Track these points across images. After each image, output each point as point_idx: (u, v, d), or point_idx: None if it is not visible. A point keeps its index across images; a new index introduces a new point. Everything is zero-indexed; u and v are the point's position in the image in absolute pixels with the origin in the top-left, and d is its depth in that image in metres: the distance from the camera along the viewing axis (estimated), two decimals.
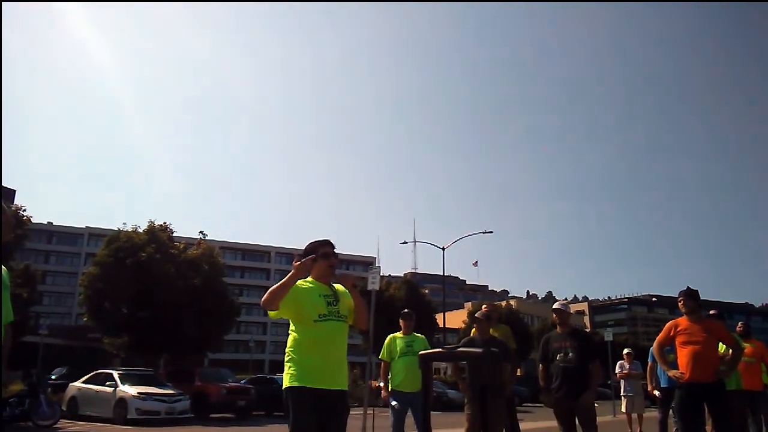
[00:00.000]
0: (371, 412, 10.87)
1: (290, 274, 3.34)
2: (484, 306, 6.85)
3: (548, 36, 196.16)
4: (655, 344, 5.71)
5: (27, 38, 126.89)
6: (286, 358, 3.42)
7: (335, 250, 3.62)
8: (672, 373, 5.48)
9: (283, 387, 3.37)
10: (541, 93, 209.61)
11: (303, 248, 3.72)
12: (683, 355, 5.36)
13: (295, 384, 3.28)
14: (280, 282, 3.34)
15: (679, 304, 5.55)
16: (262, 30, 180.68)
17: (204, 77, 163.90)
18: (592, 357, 5.69)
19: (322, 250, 3.57)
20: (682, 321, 5.48)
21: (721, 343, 5.59)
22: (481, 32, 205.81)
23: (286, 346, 3.50)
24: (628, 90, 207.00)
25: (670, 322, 5.64)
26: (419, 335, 6.44)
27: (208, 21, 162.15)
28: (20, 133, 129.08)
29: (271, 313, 3.41)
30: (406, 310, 6.55)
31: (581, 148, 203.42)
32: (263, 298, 3.33)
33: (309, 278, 3.56)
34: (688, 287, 5.60)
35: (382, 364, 6.37)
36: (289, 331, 3.49)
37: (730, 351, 5.60)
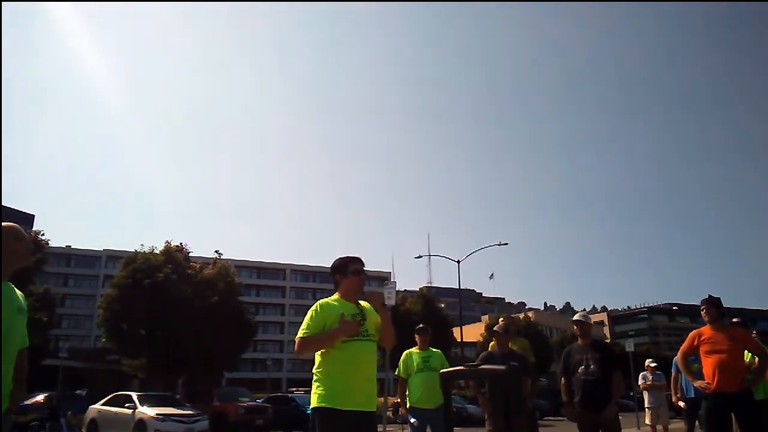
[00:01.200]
0: (391, 429, 10.78)
1: (332, 334, 3.27)
2: (501, 319, 6.79)
3: (559, 38, 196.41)
4: (679, 354, 5.61)
5: (33, 53, 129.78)
6: (314, 378, 3.37)
7: (364, 267, 3.55)
8: (698, 383, 5.36)
9: (311, 407, 3.32)
10: (556, 100, 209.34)
11: (329, 264, 3.66)
12: (708, 364, 5.26)
13: (324, 405, 3.22)
14: (322, 338, 3.28)
15: (702, 312, 5.46)
16: (271, 44, 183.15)
17: (213, 94, 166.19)
18: (613, 368, 5.59)
19: (353, 267, 3.50)
20: (706, 330, 5.38)
21: (747, 352, 5.48)
22: (486, 41, 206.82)
23: (307, 365, 3.48)
24: (653, 92, 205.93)
25: (694, 331, 5.55)
26: (436, 350, 6.38)
27: (217, 52, 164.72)
28: (36, 158, 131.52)
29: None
30: (421, 326, 6.49)
31: (598, 153, 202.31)
32: (297, 347, 3.30)
33: (335, 296, 3.52)
34: (710, 295, 5.51)
35: (399, 380, 6.31)
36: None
37: (757, 359, 5.47)
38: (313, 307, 3.43)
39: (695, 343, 5.40)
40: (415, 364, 6.12)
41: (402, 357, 6.27)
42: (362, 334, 3.34)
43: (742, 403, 5.12)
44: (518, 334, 7.00)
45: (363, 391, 3.27)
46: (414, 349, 6.27)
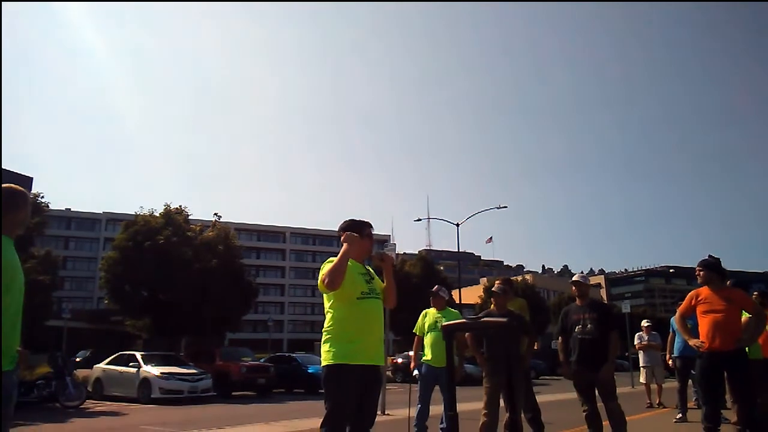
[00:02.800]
0: (391, 387, 10.98)
1: (344, 251, 3.41)
2: (497, 281, 6.84)
3: (566, 13, 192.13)
4: (677, 314, 5.68)
5: (30, 30, 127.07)
6: (325, 337, 3.44)
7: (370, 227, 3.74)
8: (693, 342, 5.44)
9: (323, 364, 3.41)
10: (557, 65, 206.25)
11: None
12: (704, 324, 5.32)
13: (338, 362, 3.32)
14: (337, 261, 3.36)
15: (697, 274, 5.50)
16: (266, 13, 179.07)
17: (214, 61, 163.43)
18: (610, 328, 5.66)
19: (367, 230, 3.68)
20: (704, 290, 5.43)
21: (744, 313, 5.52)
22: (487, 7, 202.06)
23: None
24: (647, 58, 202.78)
25: (692, 291, 5.59)
26: (453, 310, 6.49)
27: (215, 9, 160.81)
28: (33, 121, 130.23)
29: (326, 295, 3.48)
30: (435, 287, 6.54)
31: (596, 119, 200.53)
32: (325, 281, 3.33)
33: None
34: (709, 255, 5.54)
35: (416, 338, 6.46)
36: (328, 310, 3.50)
37: (751, 319, 5.52)
38: (327, 260, 3.52)
39: (692, 303, 5.46)
40: (428, 323, 6.25)
41: (420, 316, 6.40)
42: (373, 293, 3.51)
43: (735, 362, 5.19)
44: (516, 295, 7.06)
45: (374, 347, 3.41)
46: (431, 309, 6.38)
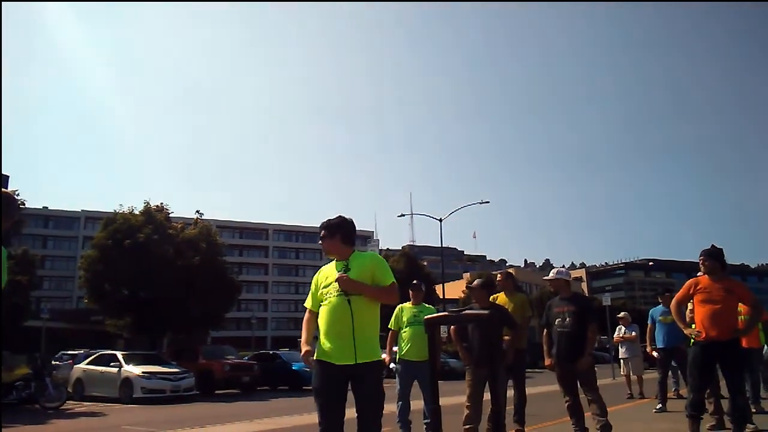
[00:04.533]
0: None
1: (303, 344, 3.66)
2: (499, 275, 6.88)
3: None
4: (674, 301, 5.62)
5: (7, 26, 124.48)
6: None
7: (321, 233, 3.76)
8: (688, 330, 5.44)
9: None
10: (536, 58, 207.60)
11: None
12: (700, 313, 5.32)
13: (316, 358, 3.53)
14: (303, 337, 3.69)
15: (700, 262, 5.48)
16: (250, 11, 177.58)
17: (195, 58, 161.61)
18: (588, 321, 5.73)
19: (321, 233, 3.79)
20: (704, 279, 5.42)
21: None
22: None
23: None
24: (627, 54, 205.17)
25: (691, 279, 5.57)
26: (428, 306, 6.49)
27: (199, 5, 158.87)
28: (8, 117, 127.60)
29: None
30: (415, 282, 6.58)
31: (577, 113, 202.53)
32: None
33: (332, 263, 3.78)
34: (712, 245, 5.52)
35: (390, 333, 6.43)
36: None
37: (747, 311, 5.56)
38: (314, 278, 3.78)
39: (690, 291, 5.44)
40: (405, 318, 6.23)
41: (395, 311, 6.37)
42: (337, 291, 3.51)
43: (729, 353, 5.21)
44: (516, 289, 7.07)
45: (336, 346, 3.43)
46: (407, 304, 6.36)
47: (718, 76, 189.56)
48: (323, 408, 3.43)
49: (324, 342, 3.47)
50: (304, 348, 3.58)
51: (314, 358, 3.49)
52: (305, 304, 3.82)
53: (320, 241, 3.76)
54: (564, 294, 5.95)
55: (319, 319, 3.58)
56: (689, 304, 5.73)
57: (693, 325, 5.42)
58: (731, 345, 5.23)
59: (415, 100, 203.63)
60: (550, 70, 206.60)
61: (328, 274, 3.65)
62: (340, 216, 3.78)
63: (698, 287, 5.40)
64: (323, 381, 3.43)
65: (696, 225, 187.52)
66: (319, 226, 3.76)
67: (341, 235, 3.69)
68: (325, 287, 3.59)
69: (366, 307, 3.50)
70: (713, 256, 5.44)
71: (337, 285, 3.50)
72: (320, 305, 3.60)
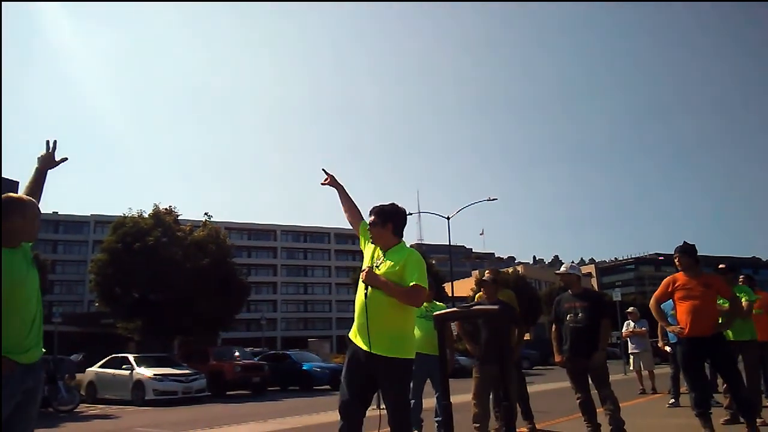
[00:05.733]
0: None
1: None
2: (487, 271, 6.85)
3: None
4: (652, 300, 5.66)
5: (10, 30, 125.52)
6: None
7: (370, 217, 3.67)
8: (671, 328, 5.51)
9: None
10: (541, 54, 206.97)
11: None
12: (682, 310, 5.34)
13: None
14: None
15: (675, 260, 5.52)
16: (250, 12, 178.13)
17: (201, 59, 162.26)
18: (601, 317, 5.69)
19: (372, 218, 3.74)
20: (680, 276, 5.44)
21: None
22: None
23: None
24: (630, 49, 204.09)
25: (669, 277, 5.58)
26: (439, 303, 6.47)
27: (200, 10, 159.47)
28: (18, 124, 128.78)
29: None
30: None
31: (582, 109, 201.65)
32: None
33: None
34: (684, 242, 5.54)
35: None
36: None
37: (728, 304, 5.56)
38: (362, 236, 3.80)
39: (669, 289, 5.46)
40: (416, 313, 6.19)
41: None
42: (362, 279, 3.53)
43: (715, 347, 5.24)
44: (507, 287, 7.09)
45: (357, 328, 3.49)
46: None
47: (724, 71, 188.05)
48: (342, 387, 3.48)
49: (354, 322, 3.56)
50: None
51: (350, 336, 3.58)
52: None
53: (369, 227, 3.62)
54: (575, 290, 5.91)
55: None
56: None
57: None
58: (716, 340, 5.25)
59: (420, 98, 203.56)
60: (555, 67, 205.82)
61: (369, 255, 3.64)
62: (393, 203, 3.65)
63: (676, 284, 5.42)
64: (349, 359, 3.50)
65: (706, 219, 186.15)
66: (370, 210, 3.63)
67: (393, 224, 3.56)
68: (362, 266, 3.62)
69: (385, 302, 3.37)
70: (687, 252, 5.46)
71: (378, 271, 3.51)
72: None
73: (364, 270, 3.51)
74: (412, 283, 3.34)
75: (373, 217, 3.59)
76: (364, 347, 3.40)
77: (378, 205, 3.64)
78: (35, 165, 3.27)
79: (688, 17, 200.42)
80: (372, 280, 3.43)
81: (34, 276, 2.79)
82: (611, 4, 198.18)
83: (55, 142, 3.30)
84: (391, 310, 3.39)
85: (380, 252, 3.58)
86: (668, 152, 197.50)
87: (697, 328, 5.19)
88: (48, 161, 3.28)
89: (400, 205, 3.65)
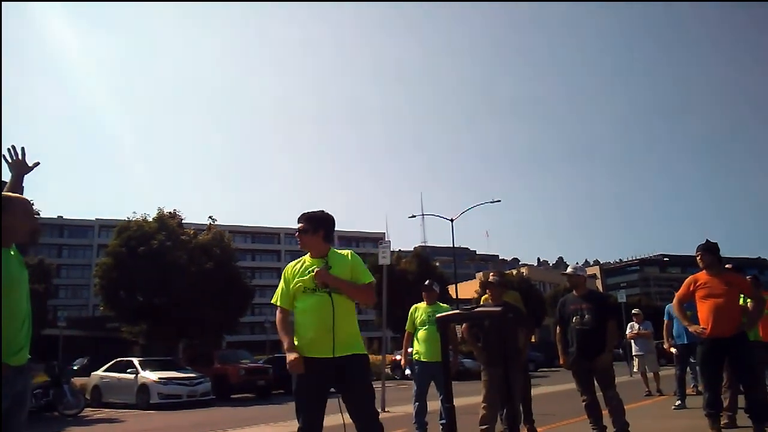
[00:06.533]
0: (390, 385, 10.99)
1: (285, 342, 3.44)
2: (492, 274, 6.83)
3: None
4: (675, 300, 5.58)
5: (14, 34, 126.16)
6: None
7: (300, 224, 3.57)
8: (693, 328, 5.37)
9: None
10: (547, 56, 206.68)
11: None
12: (704, 309, 5.26)
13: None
14: (281, 334, 3.50)
15: (697, 258, 5.44)
16: (259, 12, 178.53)
17: (205, 63, 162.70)
18: (607, 318, 5.66)
19: (300, 225, 3.62)
20: (702, 275, 5.37)
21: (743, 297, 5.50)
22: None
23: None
24: (634, 49, 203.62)
25: (690, 277, 5.52)
26: (443, 305, 6.42)
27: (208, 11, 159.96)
28: (22, 128, 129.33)
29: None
30: (426, 282, 6.47)
31: (586, 110, 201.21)
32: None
33: (306, 256, 3.60)
34: (707, 240, 5.48)
35: (406, 334, 6.38)
36: None
37: (750, 303, 5.51)
38: (283, 274, 3.59)
39: (691, 288, 5.39)
40: (419, 319, 6.16)
41: (410, 311, 6.31)
42: (318, 288, 3.40)
43: (737, 347, 5.15)
44: (511, 288, 7.06)
45: (313, 339, 3.33)
46: (421, 304, 6.29)
47: (728, 70, 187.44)
48: (303, 407, 3.31)
49: (302, 337, 3.37)
50: (292, 355, 3.29)
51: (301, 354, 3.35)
52: (277, 302, 3.54)
53: (297, 234, 3.53)
54: (580, 291, 5.88)
55: (296, 313, 3.46)
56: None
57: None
58: (738, 340, 5.16)
59: (424, 101, 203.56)
60: (558, 68, 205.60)
61: (300, 270, 3.50)
62: (321, 210, 3.59)
63: (698, 283, 5.35)
64: (302, 377, 3.30)
65: (711, 219, 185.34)
66: (299, 217, 3.54)
67: (324, 230, 3.53)
68: (300, 282, 3.44)
69: (348, 305, 3.44)
70: (710, 250, 5.39)
71: (313, 280, 3.38)
72: (296, 300, 3.47)
73: (314, 271, 3.40)
74: (369, 281, 3.50)
75: (302, 224, 3.53)
76: (325, 355, 3.30)
77: (306, 212, 3.58)
78: (9, 172, 3.27)
79: (694, 18, 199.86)
80: (330, 279, 3.38)
81: (26, 276, 2.77)
82: (617, 5, 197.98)
83: (23, 148, 3.31)
84: (352, 311, 3.49)
85: (309, 261, 3.51)
86: (673, 153, 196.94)
87: (719, 328, 5.10)
88: (22, 167, 3.29)
89: (328, 212, 3.61)
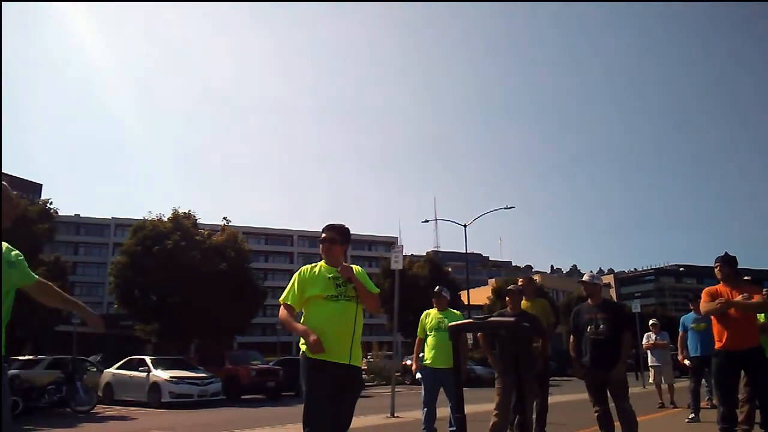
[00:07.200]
0: (400, 389, 10.94)
1: (298, 332, 3.50)
2: (520, 280, 6.73)
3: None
4: (706, 312, 5.44)
5: (33, 35, 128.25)
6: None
7: (330, 233, 3.75)
8: (717, 301, 5.15)
9: (301, 351, 3.57)
10: (560, 59, 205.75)
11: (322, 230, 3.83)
12: (720, 322, 5.21)
13: (306, 354, 3.47)
14: (288, 327, 3.60)
15: (715, 269, 5.39)
16: (272, 14, 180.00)
17: (221, 63, 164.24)
18: (623, 328, 5.58)
19: (324, 234, 3.81)
20: (720, 288, 5.32)
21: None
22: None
23: None
24: (649, 53, 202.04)
25: (709, 288, 5.46)
26: (455, 311, 6.35)
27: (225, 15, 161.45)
28: (42, 128, 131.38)
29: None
30: (436, 288, 6.41)
31: (602, 118, 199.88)
32: (280, 313, 3.64)
33: (321, 262, 3.74)
34: (726, 253, 5.43)
35: (417, 340, 6.36)
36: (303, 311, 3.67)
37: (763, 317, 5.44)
38: (296, 274, 3.67)
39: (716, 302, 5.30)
40: (429, 325, 6.12)
41: (421, 317, 6.29)
42: (342, 296, 3.51)
43: (752, 360, 5.10)
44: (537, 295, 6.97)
45: (334, 344, 3.40)
46: (432, 310, 6.26)
47: (747, 78, 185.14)
48: (314, 407, 3.35)
49: (323, 340, 3.39)
50: (312, 336, 3.33)
51: (310, 356, 3.40)
52: (287, 301, 3.57)
53: (325, 243, 3.67)
54: (595, 300, 5.80)
55: (312, 317, 3.50)
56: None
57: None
58: (755, 353, 5.11)
59: (439, 105, 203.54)
60: (573, 74, 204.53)
61: (318, 276, 3.58)
62: (344, 224, 3.81)
63: (717, 297, 5.28)
64: (317, 378, 3.37)
65: (727, 230, 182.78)
66: (329, 227, 3.71)
67: (348, 244, 3.80)
68: (319, 286, 3.52)
69: (362, 315, 3.60)
70: (729, 262, 5.36)
71: (333, 287, 3.49)
72: (310, 304, 3.53)
73: (342, 268, 3.54)
74: (377, 291, 3.66)
75: (334, 235, 3.69)
76: (342, 361, 3.40)
77: (336, 223, 3.76)
78: (81, 302, 3.15)
79: (713, 24, 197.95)
80: (353, 275, 3.52)
81: (10, 275, 2.68)
82: (632, 9, 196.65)
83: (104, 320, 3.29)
84: (362, 319, 3.62)
85: (326, 268, 3.62)
86: (689, 161, 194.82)
87: (735, 341, 5.05)
88: (91, 322, 3.17)
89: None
